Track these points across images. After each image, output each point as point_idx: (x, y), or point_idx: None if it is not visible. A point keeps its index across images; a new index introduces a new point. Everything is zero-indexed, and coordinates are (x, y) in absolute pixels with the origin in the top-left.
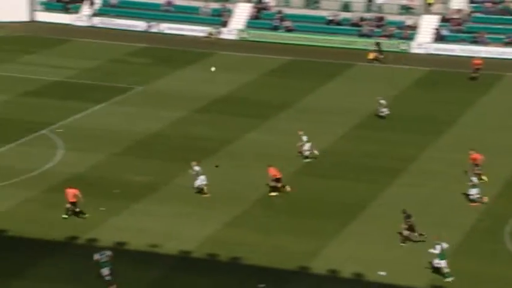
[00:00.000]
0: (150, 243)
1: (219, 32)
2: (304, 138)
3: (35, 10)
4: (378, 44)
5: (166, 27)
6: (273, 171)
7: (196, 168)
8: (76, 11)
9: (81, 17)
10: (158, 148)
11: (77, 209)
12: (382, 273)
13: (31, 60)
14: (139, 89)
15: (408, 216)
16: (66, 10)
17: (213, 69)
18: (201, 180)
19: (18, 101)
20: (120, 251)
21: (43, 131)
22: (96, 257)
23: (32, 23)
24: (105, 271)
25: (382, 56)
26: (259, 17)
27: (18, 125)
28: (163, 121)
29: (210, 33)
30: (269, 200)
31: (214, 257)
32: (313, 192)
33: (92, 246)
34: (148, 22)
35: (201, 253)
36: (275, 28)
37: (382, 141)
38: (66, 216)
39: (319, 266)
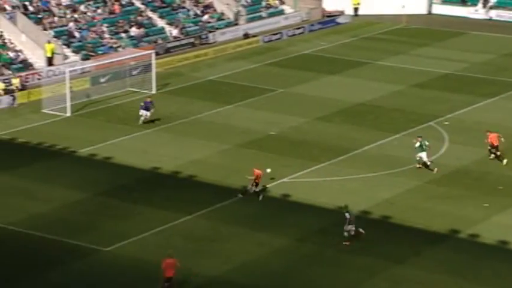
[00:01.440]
0: None
1: None
2: None
3: (433, 3)
4: None
5: None
6: (493, 138)
7: (417, 144)
8: (473, 4)
9: (478, 10)
10: None
11: (260, 187)
12: None
13: (423, 53)
14: None
15: None
16: (463, 3)
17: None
18: (423, 156)
19: (409, 92)
20: (502, 250)
21: (430, 123)
22: (347, 215)
23: (429, 15)
24: (348, 227)
25: None
26: None
27: (406, 115)
28: None
29: None
30: None
31: None
32: None
33: (473, 241)
34: None
35: None
36: None
37: None
38: (260, 195)
39: None
